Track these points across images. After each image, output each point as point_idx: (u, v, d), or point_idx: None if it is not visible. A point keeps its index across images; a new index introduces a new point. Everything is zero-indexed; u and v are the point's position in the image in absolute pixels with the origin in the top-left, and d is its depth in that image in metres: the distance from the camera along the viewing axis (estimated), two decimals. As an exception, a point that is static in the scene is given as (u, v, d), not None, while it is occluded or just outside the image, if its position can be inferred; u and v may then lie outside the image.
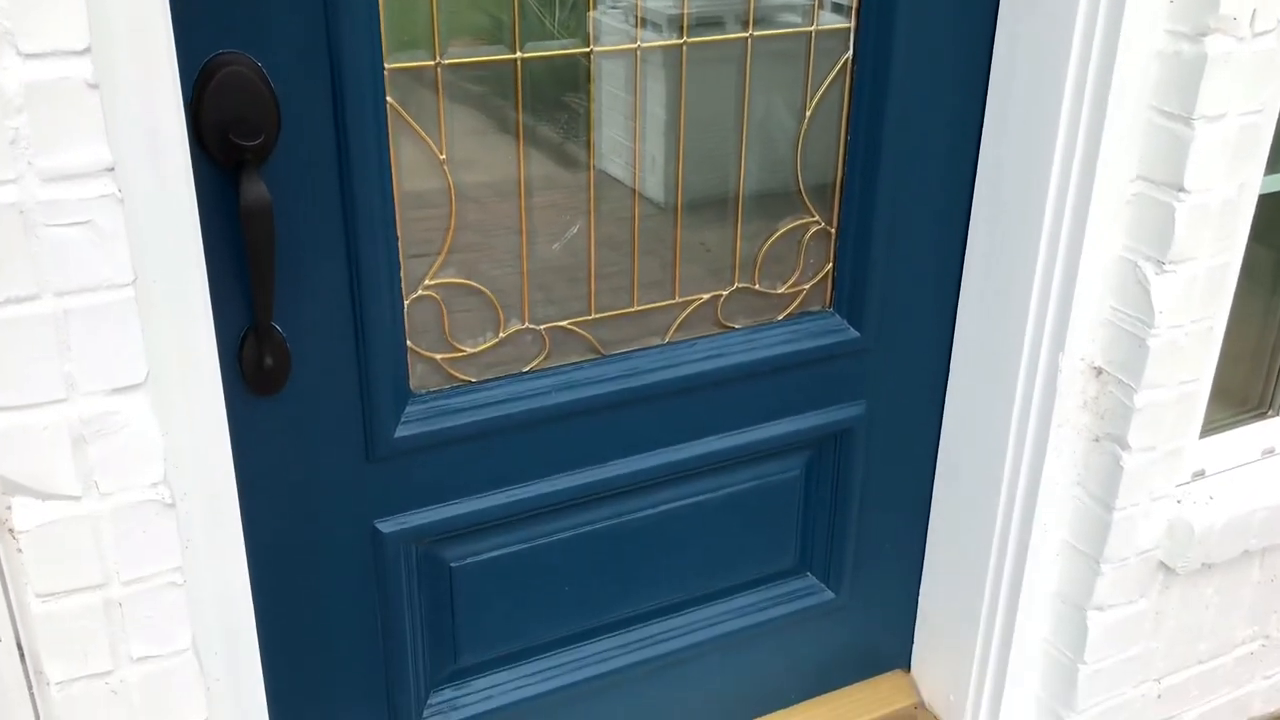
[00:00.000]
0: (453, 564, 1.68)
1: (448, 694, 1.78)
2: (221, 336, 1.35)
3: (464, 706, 1.78)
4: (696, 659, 1.96)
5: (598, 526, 1.77)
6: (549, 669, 1.83)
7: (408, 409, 1.55)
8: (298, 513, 1.53)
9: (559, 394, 1.64)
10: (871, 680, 2.18)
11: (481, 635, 1.75)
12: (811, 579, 2.02)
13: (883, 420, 1.92)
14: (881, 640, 2.15)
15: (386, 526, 1.60)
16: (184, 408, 1.25)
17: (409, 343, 1.52)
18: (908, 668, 2.20)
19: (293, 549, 1.54)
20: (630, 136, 1.59)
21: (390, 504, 1.59)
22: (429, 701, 1.76)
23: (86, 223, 1.03)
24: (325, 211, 1.38)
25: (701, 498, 1.84)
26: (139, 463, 1.13)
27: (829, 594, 2.02)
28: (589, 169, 1.57)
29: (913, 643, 2.17)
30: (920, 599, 2.12)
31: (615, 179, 1.60)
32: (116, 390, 1.09)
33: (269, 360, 1.40)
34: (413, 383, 1.55)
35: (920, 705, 2.16)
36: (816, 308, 1.81)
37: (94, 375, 1.08)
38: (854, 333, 1.82)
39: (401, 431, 1.55)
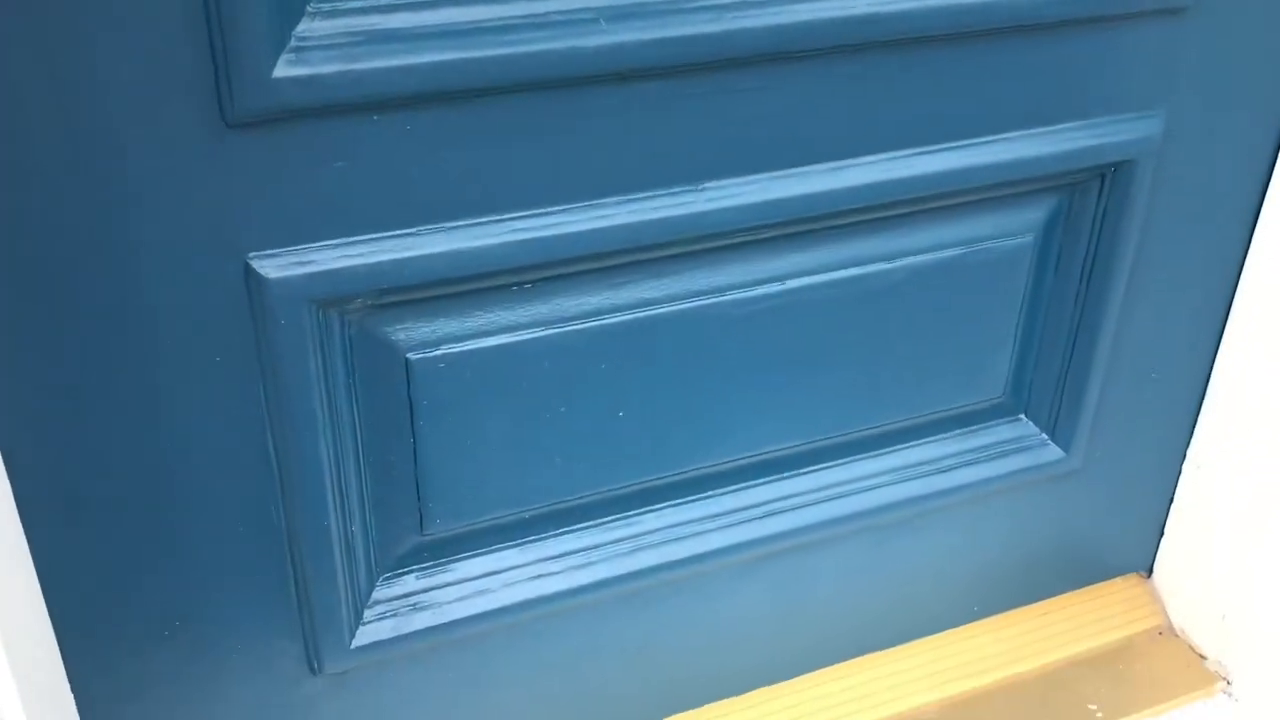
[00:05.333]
0: (410, 355, 0.92)
1: (409, 584, 1.03)
2: None
3: (433, 606, 1.03)
4: (828, 544, 1.18)
5: (676, 308, 0.99)
6: (579, 551, 1.07)
7: (311, 4, 0.76)
8: (84, 226, 0.76)
9: (612, 25, 0.84)
10: (1090, 590, 1.41)
11: (465, 488, 0.99)
12: (1027, 425, 1.22)
13: (1186, 151, 1.09)
14: (1117, 529, 1.36)
15: (271, 267, 0.83)
16: None
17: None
18: (1148, 571, 1.42)
19: (72, 304, 0.78)
20: None
21: (277, 224, 0.82)
22: (373, 597, 1.02)
23: None
24: None
25: (855, 271, 1.04)
26: None
27: (1054, 450, 1.23)
28: None
29: (1162, 534, 1.38)
30: (1186, 467, 1.32)
31: None
32: None
33: None
34: (316, -29, 0.76)
35: (1166, 630, 1.38)
36: (1101, -85, 0.97)
37: None
38: (1167, -31, 0.98)
39: (288, 68, 0.76)
